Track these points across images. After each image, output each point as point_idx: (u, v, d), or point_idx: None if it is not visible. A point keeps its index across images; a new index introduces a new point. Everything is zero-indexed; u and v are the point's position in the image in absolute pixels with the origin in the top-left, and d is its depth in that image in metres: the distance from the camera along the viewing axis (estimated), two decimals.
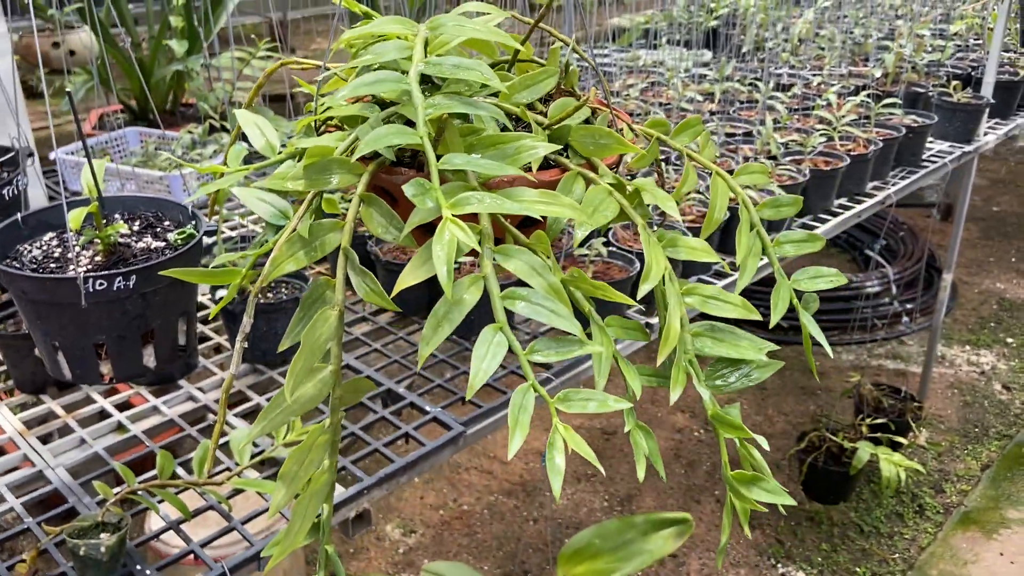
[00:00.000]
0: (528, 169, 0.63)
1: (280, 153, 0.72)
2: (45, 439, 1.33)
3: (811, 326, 0.72)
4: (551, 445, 0.56)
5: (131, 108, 2.77)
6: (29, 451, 1.28)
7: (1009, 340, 3.49)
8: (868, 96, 2.29)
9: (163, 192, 2.04)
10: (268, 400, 1.42)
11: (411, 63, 0.61)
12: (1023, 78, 2.65)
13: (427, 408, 1.39)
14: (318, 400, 0.64)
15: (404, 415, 1.42)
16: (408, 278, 0.57)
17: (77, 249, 0.93)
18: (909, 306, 3.58)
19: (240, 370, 1.49)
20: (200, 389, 1.44)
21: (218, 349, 1.59)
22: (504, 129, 0.64)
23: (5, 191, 1.05)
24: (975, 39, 3.00)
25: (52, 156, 1.96)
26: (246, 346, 0.68)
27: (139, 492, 1.14)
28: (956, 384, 3.23)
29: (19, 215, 0.94)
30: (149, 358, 0.94)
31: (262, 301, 1.46)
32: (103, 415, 1.39)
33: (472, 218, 0.60)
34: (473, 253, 0.59)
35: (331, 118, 0.72)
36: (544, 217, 0.66)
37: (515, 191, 0.58)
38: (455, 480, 2.78)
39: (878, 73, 2.61)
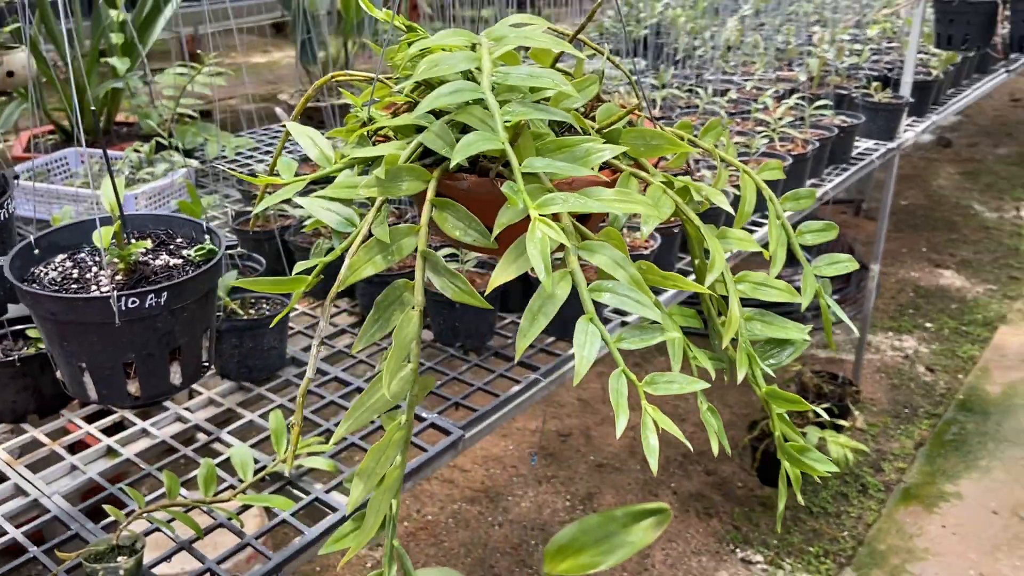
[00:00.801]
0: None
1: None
2: (33, 468, 1.29)
3: (835, 307, 0.78)
4: (644, 426, 0.59)
5: (64, 128, 2.69)
6: (20, 480, 1.25)
7: (928, 325, 3.70)
8: (800, 99, 2.41)
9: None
10: (261, 416, 1.41)
11: (481, 73, 0.64)
12: (936, 78, 2.82)
13: (424, 415, 1.41)
14: (399, 398, 0.66)
15: None
16: (500, 276, 0.60)
17: (97, 269, 0.92)
18: (836, 297, 3.75)
19: (225, 388, 1.48)
20: (188, 409, 1.43)
21: None
22: (569, 132, 0.68)
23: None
24: (887, 43, 3.18)
25: None
26: (321, 354, 0.70)
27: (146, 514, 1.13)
28: (883, 368, 3.41)
29: (32, 237, 0.92)
30: (176, 375, 0.93)
31: (245, 318, 1.46)
32: (85, 443, 1.36)
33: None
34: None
35: (380, 128, 0.75)
36: (604, 214, 0.70)
37: (593, 191, 0.62)
38: (416, 491, 2.78)
39: (803, 77, 2.75)
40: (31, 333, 1.34)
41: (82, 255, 0.95)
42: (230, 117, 3.12)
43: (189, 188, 1.39)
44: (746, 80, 2.73)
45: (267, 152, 2.54)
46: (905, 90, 2.68)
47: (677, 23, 2.92)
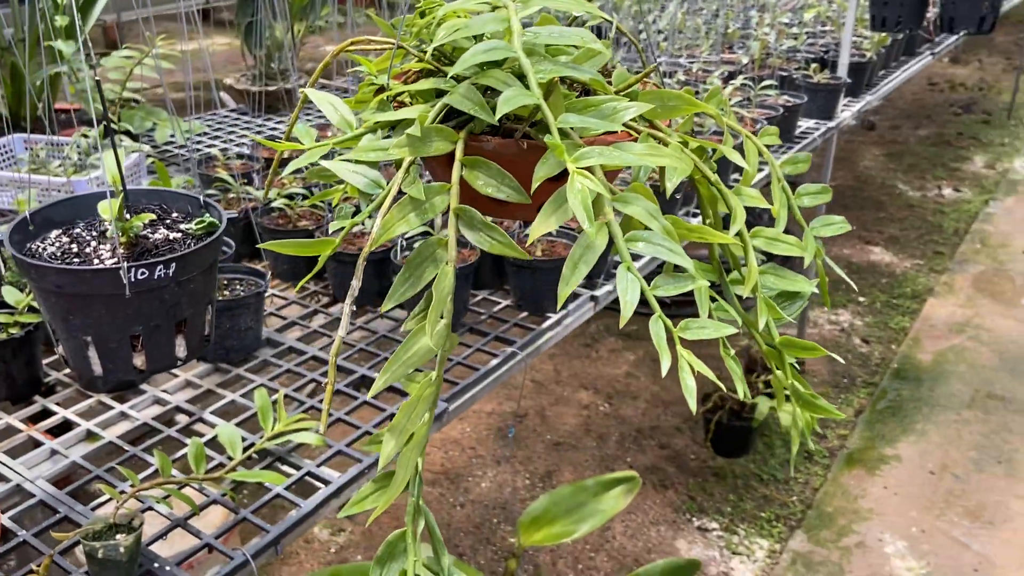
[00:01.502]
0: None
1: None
2: (11, 454, 1.26)
3: (833, 266, 0.83)
4: (681, 369, 0.63)
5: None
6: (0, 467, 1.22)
7: (861, 299, 3.86)
8: (747, 79, 2.49)
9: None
10: (243, 396, 1.41)
11: (511, 34, 0.66)
12: (869, 59, 2.94)
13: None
14: (433, 353, 0.68)
15: (384, 398, 1.45)
16: (541, 228, 0.62)
17: (96, 243, 0.91)
18: None
19: (202, 370, 1.47)
20: (165, 392, 1.41)
21: None
22: (589, 94, 0.70)
23: None
24: (822, 26, 3.30)
25: None
26: (354, 308, 0.71)
27: (142, 491, 1.12)
28: (822, 341, 3.54)
29: (27, 213, 0.91)
30: (180, 348, 0.93)
31: (221, 298, 1.45)
32: (67, 426, 1.34)
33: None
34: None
35: (401, 94, 0.76)
36: (618, 171, 0.73)
37: (623, 145, 0.65)
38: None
39: (746, 59, 2.83)
40: (1, 319, 1.31)
41: (78, 230, 0.94)
42: (165, 102, 3.05)
43: (159, 168, 1.37)
44: (692, 62, 2.80)
45: (216, 136, 2.50)
46: (842, 71, 2.79)
47: (621, 6, 2.97)
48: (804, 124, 2.68)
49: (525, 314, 1.67)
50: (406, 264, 0.69)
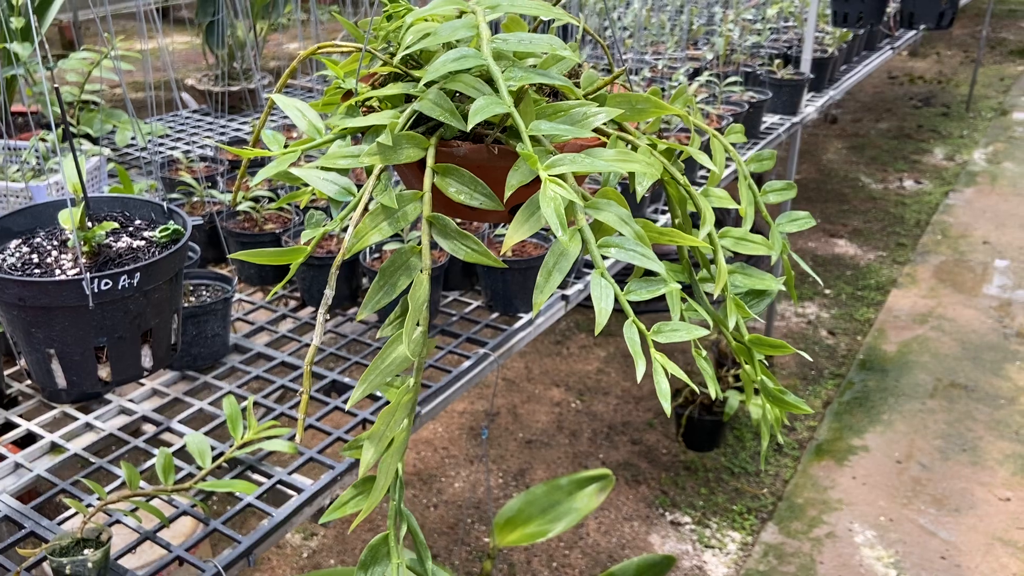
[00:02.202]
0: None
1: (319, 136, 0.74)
2: None
3: (799, 261, 0.83)
4: (656, 371, 0.63)
5: None
6: None
7: (827, 292, 3.90)
8: (712, 76, 2.50)
9: (25, 202, 1.91)
10: (211, 404, 1.39)
11: (480, 40, 0.65)
12: (831, 55, 2.97)
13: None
14: (410, 361, 0.67)
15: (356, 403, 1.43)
16: (515, 235, 0.62)
17: (57, 253, 0.89)
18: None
19: (169, 378, 1.45)
20: (131, 401, 1.39)
21: None
22: (559, 97, 0.70)
23: None
24: (784, 22, 3.33)
25: None
26: (327, 317, 0.70)
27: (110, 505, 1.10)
28: (789, 334, 3.58)
29: None
30: (147, 358, 0.91)
31: (187, 305, 1.42)
32: (31, 438, 1.31)
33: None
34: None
35: (369, 99, 0.75)
36: (585, 176, 0.73)
37: (594, 151, 0.64)
38: (346, 481, 2.76)
39: (710, 56, 2.85)
40: None
41: (37, 240, 0.92)
42: (125, 104, 3.00)
43: (121, 173, 1.35)
44: (657, 59, 2.81)
45: (178, 138, 2.46)
46: (805, 67, 2.81)
47: (587, 4, 2.97)
48: (769, 120, 2.71)
49: (496, 315, 1.66)
50: (380, 272, 0.68)
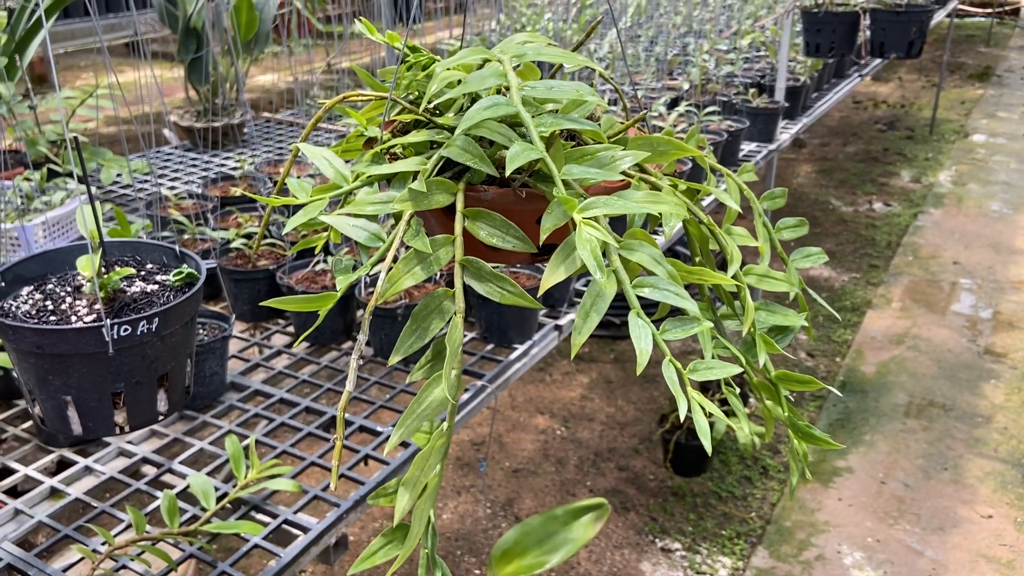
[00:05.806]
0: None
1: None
2: None
3: (816, 297, 0.86)
4: (694, 412, 0.64)
5: None
6: None
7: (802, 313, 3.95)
8: (690, 105, 2.55)
9: (14, 243, 1.89)
10: (211, 443, 1.38)
11: (510, 88, 0.67)
12: (803, 83, 3.04)
13: (378, 428, 1.41)
14: (447, 403, 0.68)
15: (356, 439, 1.43)
16: (552, 278, 0.63)
17: (71, 299, 0.89)
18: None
19: (168, 418, 1.43)
20: (130, 442, 1.37)
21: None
22: (580, 143, 0.72)
23: None
24: (756, 51, 3.40)
25: None
26: (360, 364, 0.71)
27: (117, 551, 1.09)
28: (771, 357, 3.61)
29: None
30: (162, 402, 0.91)
31: None
32: (29, 483, 1.29)
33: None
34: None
35: (394, 145, 0.77)
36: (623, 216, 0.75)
37: (625, 194, 0.66)
38: None
39: (686, 85, 2.90)
40: None
41: (50, 286, 0.91)
42: (105, 141, 2.98)
43: (119, 216, 1.35)
44: (636, 89, 2.86)
45: (162, 175, 2.46)
46: (779, 95, 2.88)
47: (564, 37, 3.02)
48: (747, 147, 2.76)
49: (492, 346, 1.67)
50: (412, 316, 0.69)
